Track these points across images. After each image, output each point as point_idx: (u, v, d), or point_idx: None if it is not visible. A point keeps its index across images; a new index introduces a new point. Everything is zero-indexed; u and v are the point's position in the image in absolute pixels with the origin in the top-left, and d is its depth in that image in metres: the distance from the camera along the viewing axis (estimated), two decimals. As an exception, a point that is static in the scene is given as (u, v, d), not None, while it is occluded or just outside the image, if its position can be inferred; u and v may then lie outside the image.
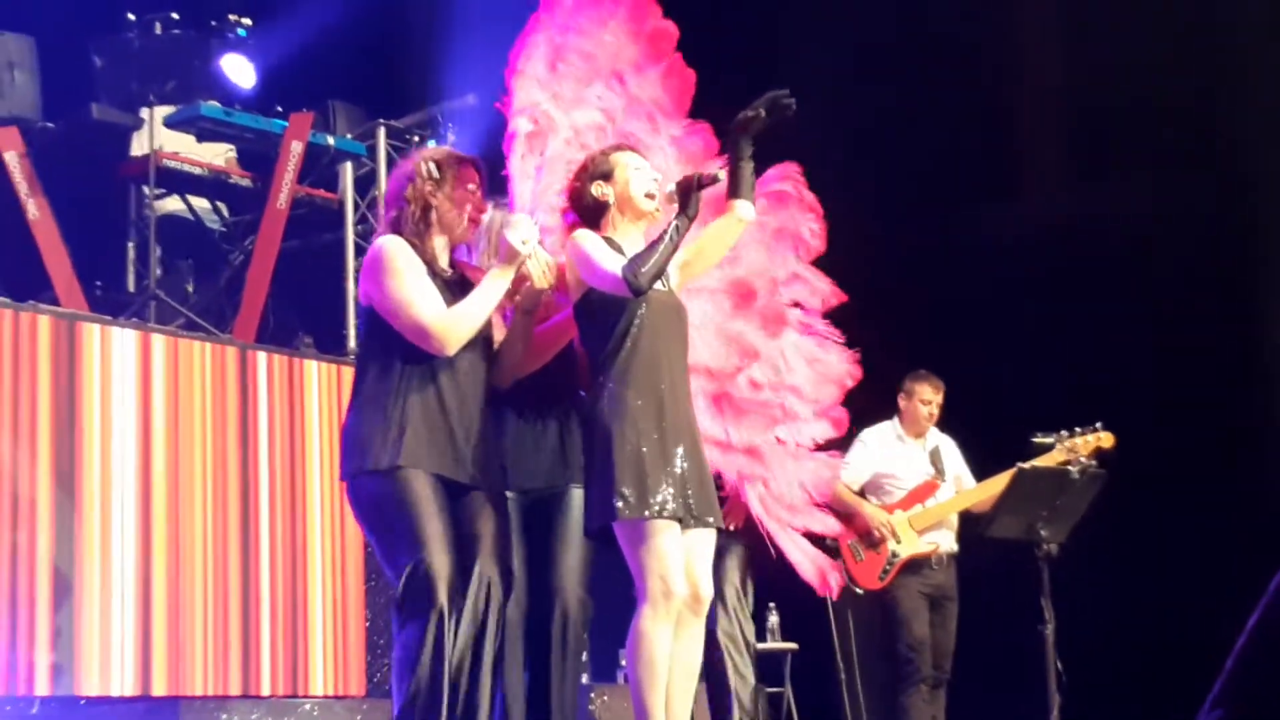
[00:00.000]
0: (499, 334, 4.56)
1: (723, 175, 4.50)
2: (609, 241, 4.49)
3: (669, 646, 4.33)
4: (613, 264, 4.35)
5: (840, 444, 5.10)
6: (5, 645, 6.02)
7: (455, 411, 4.32)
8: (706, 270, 4.73)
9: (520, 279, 4.48)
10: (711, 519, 4.45)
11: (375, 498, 4.27)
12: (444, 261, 4.47)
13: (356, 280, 8.42)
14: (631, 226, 4.54)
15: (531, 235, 4.42)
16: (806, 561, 4.84)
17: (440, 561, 4.19)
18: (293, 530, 6.90)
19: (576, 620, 4.72)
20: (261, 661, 6.72)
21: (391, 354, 4.32)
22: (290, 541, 6.90)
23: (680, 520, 4.34)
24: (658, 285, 4.44)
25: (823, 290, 5.09)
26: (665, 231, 4.39)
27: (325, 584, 6.98)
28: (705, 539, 4.46)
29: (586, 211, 4.56)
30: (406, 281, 4.30)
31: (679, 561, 4.33)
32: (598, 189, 4.53)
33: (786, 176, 5.10)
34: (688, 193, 4.41)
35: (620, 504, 4.28)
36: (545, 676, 4.67)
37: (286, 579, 6.86)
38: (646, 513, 4.28)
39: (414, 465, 4.24)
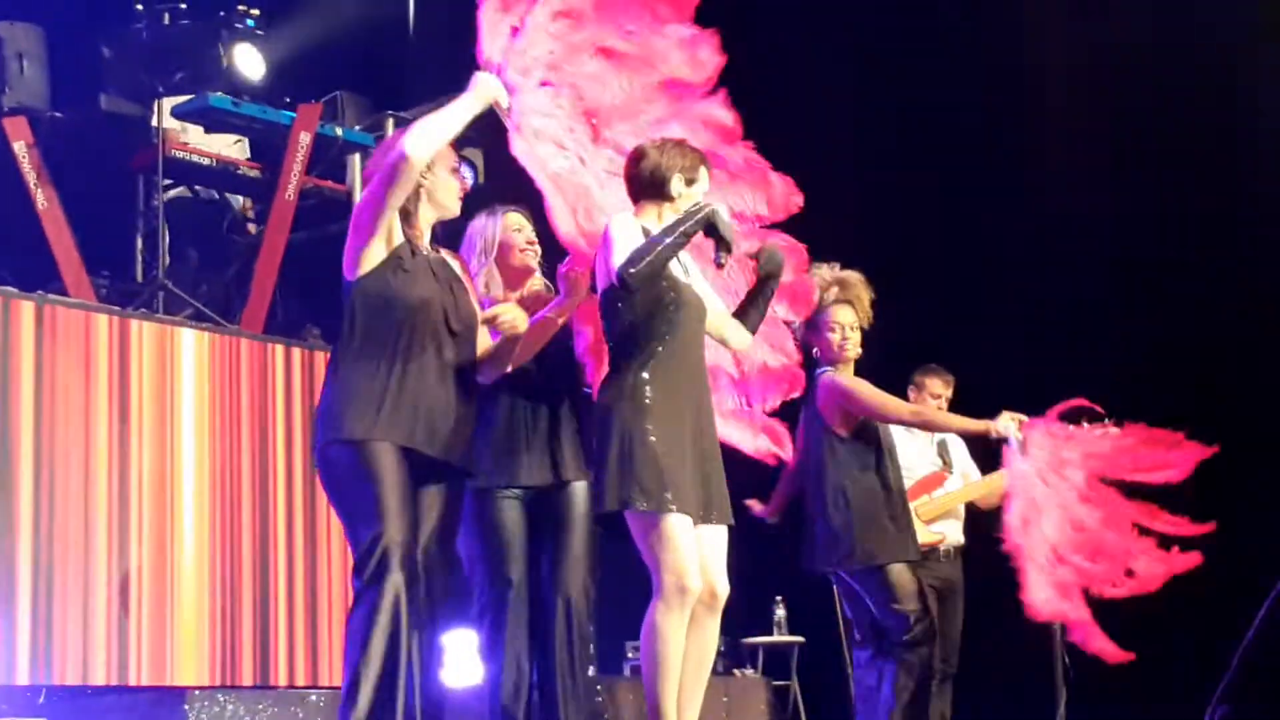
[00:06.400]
0: (485, 333, 4.55)
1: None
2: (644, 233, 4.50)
3: (682, 641, 4.34)
4: (622, 256, 4.38)
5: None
6: (10, 636, 6.03)
7: (435, 386, 4.31)
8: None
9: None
10: (724, 518, 4.49)
11: (340, 467, 4.26)
12: (427, 238, 4.49)
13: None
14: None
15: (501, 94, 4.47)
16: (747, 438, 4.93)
17: (398, 537, 4.17)
18: (309, 521, 6.91)
19: (580, 612, 4.77)
20: (276, 653, 6.73)
21: (374, 329, 4.32)
22: (308, 532, 6.91)
23: (693, 516, 4.36)
24: (687, 280, 4.51)
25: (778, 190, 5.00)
26: (662, 231, 4.43)
27: (340, 576, 6.98)
28: (719, 536, 4.48)
29: (648, 186, 4.57)
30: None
31: (694, 556, 4.34)
32: (678, 184, 4.55)
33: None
34: (711, 226, 4.45)
35: (637, 497, 4.29)
36: (551, 669, 4.70)
37: (305, 570, 6.87)
38: (663, 508, 4.29)
39: (383, 438, 4.23)
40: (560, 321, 4.73)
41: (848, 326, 5.87)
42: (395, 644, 4.14)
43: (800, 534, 5.98)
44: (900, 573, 5.80)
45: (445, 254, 4.55)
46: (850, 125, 8.67)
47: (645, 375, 4.41)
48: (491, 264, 4.91)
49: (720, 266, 4.55)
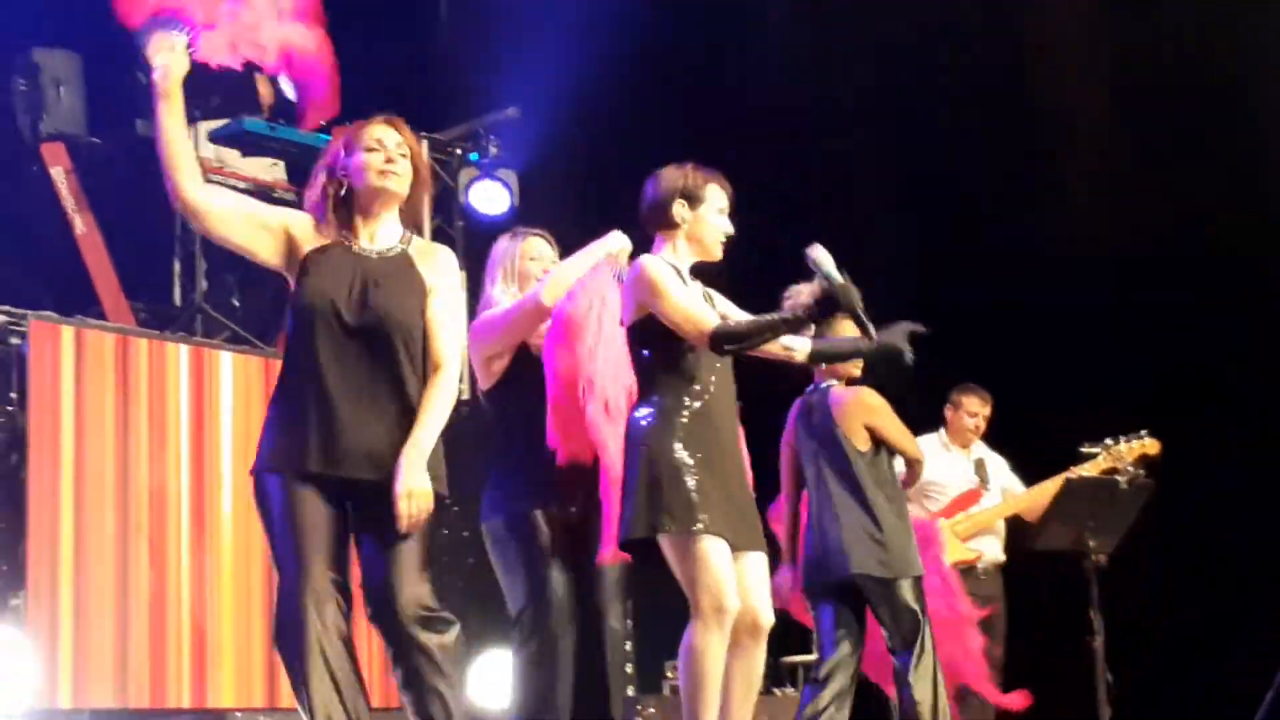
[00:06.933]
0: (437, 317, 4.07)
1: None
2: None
3: (722, 660, 4.31)
4: (699, 316, 4.35)
5: None
6: (53, 660, 6.05)
7: (336, 396, 3.85)
8: None
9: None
10: (761, 544, 4.46)
11: (256, 501, 3.94)
12: (371, 237, 4.01)
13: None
14: (690, 256, 4.55)
15: None
16: None
17: (301, 577, 3.81)
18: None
19: (619, 635, 4.73)
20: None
21: (287, 350, 4.02)
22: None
23: (729, 540, 4.34)
24: (712, 309, 4.49)
25: None
26: (775, 320, 4.38)
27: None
28: (759, 564, 4.46)
29: (656, 217, 4.55)
30: None
31: (730, 576, 4.32)
32: (679, 209, 4.52)
33: None
34: (823, 304, 4.34)
35: (666, 521, 4.28)
36: (604, 691, 4.64)
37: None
38: (695, 527, 4.28)
39: (279, 468, 3.86)
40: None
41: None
42: (326, 687, 3.82)
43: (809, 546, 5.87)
44: (916, 584, 5.79)
45: (415, 246, 4.05)
46: (872, 132, 8.67)
47: (674, 402, 4.40)
48: (514, 287, 4.83)
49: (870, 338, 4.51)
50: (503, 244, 4.94)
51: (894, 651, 5.67)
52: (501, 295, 4.82)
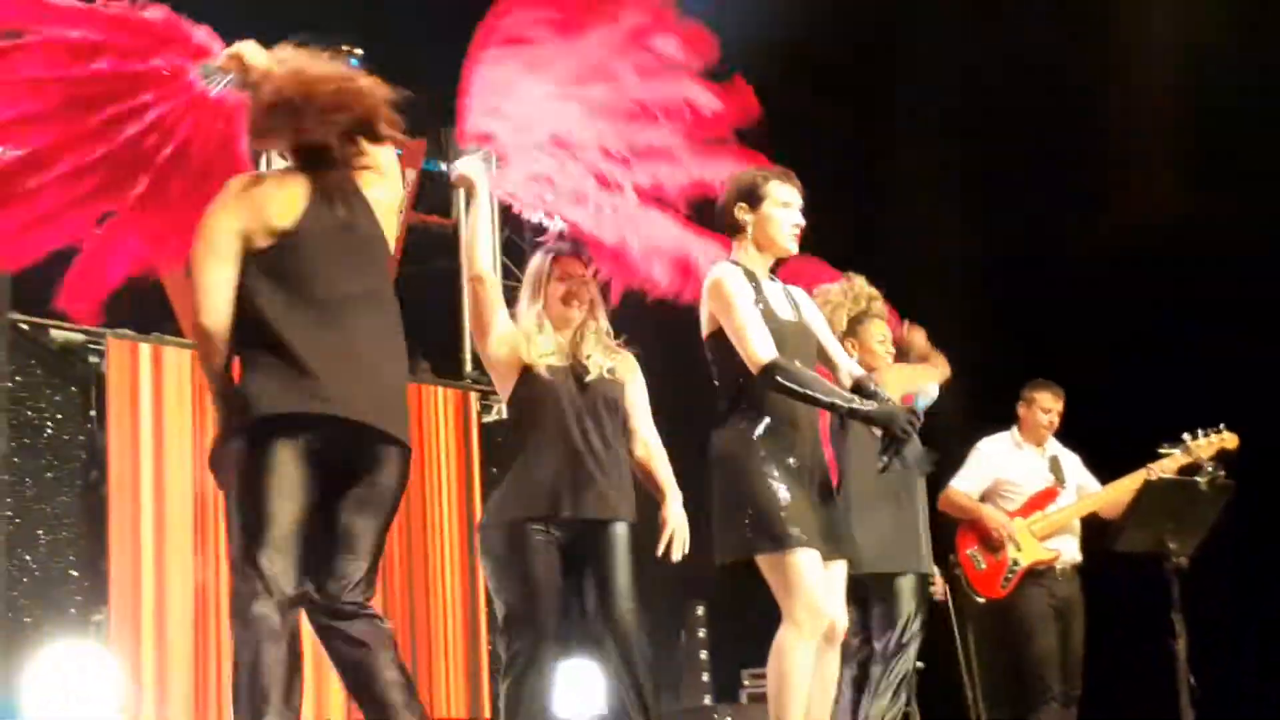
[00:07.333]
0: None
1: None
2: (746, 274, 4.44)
3: (810, 662, 4.31)
4: (757, 343, 4.31)
5: None
6: (136, 676, 6.11)
7: None
8: None
9: None
10: (846, 551, 4.45)
11: None
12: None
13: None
14: (762, 256, 4.52)
15: None
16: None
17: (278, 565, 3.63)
18: (426, 556, 6.95)
19: (633, 634, 4.46)
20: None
21: None
22: (424, 567, 6.95)
23: (820, 550, 4.33)
24: (789, 315, 4.46)
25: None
26: (837, 397, 4.32)
27: (455, 609, 7.01)
28: (839, 571, 4.46)
29: (724, 224, 4.54)
30: None
31: (822, 586, 4.32)
32: (740, 213, 4.50)
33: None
34: (889, 426, 4.27)
35: (761, 543, 4.28)
36: (635, 686, 4.51)
37: (420, 605, 6.91)
38: (788, 546, 4.27)
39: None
40: None
41: (890, 339, 5.86)
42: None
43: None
44: (920, 580, 5.79)
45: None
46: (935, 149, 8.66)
47: (755, 415, 4.38)
48: (540, 306, 4.64)
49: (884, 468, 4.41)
50: (534, 260, 4.74)
51: (888, 647, 5.65)
52: (526, 313, 4.63)
